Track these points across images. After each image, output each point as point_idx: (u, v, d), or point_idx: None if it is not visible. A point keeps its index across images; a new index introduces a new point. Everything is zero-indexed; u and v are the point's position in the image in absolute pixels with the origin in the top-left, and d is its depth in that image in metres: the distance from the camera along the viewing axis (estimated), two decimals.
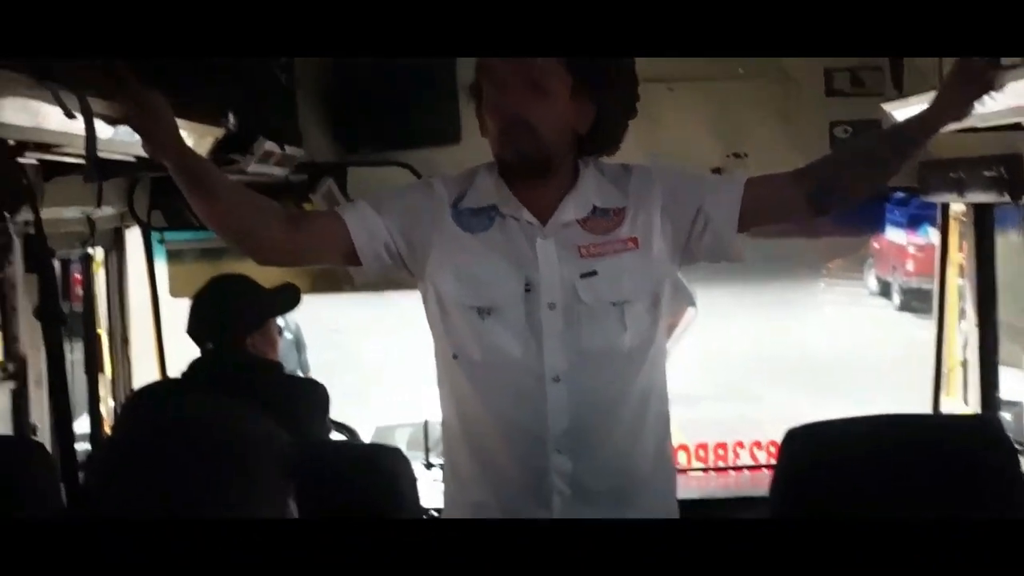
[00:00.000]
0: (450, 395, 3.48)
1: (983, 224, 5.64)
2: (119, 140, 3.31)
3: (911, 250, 21.39)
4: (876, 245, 23.35)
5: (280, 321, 5.00)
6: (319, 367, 11.73)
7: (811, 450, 3.36)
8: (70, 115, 2.63)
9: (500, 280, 3.34)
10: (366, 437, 7.43)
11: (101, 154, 3.51)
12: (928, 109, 3.34)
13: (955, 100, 3.28)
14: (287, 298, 4.93)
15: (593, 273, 3.34)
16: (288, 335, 10.35)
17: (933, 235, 6.30)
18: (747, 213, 3.40)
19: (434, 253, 3.40)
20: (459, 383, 3.41)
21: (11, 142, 2.98)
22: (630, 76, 3.43)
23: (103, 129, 3.06)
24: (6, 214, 3.94)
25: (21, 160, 3.47)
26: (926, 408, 6.09)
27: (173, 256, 6.36)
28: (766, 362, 18.07)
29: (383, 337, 17.10)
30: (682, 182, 3.48)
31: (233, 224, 3.35)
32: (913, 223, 19.98)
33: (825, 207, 3.39)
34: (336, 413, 4.89)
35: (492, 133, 3.35)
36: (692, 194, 3.42)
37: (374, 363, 16.79)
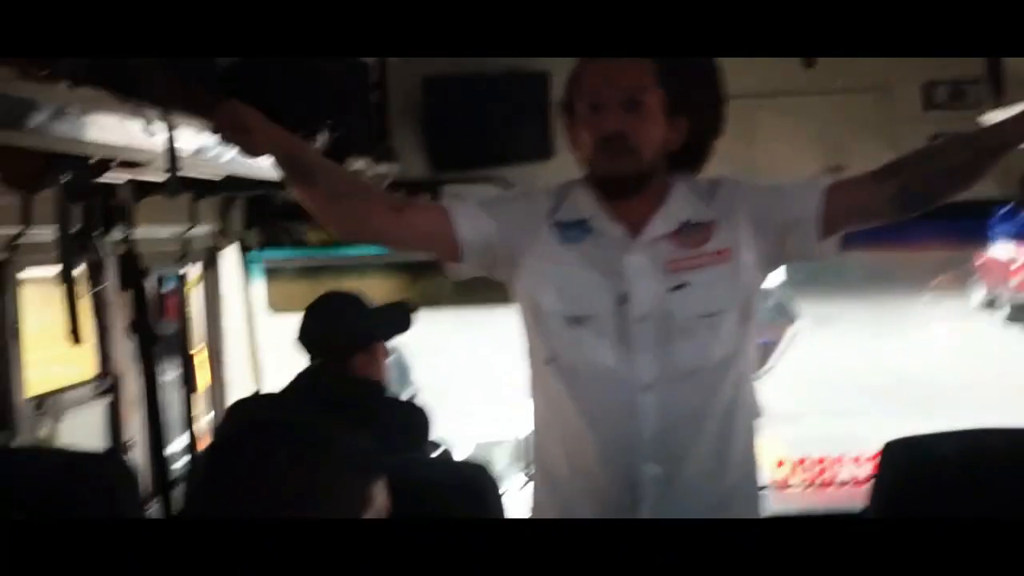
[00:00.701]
0: (542, 398, 3.52)
1: None
2: (209, 157, 3.33)
3: (1017, 266, 21.08)
4: (982, 261, 23.03)
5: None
6: (422, 386, 11.73)
7: (909, 462, 3.31)
8: (153, 133, 2.63)
9: (592, 292, 3.38)
10: (466, 452, 7.44)
11: (192, 173, 3.56)
12: (1014, 117, 3.28)
13: None
14: (398, 320, 4.92)
15: (683, 286, 3.36)
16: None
17: None
18: (830, 216, 3.38)
19: (530, 261, 3.44)
20: (551, 387, 3.45)
21: (92, 159, 2.99)
22: (720, 93, 3.47)
23: (190, 142, 3.08)
24: (97, 232, 3.97)
25: (112, 178, 3.50)
26: None
27: (271, 273, 6.38)
28: (870, 378, 17.86)
29: (483, 354, 17.07)
30: (766, 191, 3.48)
31: (336, 207, 3.40)
32: (1020, 238, 19.72)
33: (907, 209, 3.34)
34: (439, 431, 4.88)
35: (586, 149, 3.38)
36: (776, 203, 3.43)
37: (475, 381, 16.78)
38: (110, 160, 3.05)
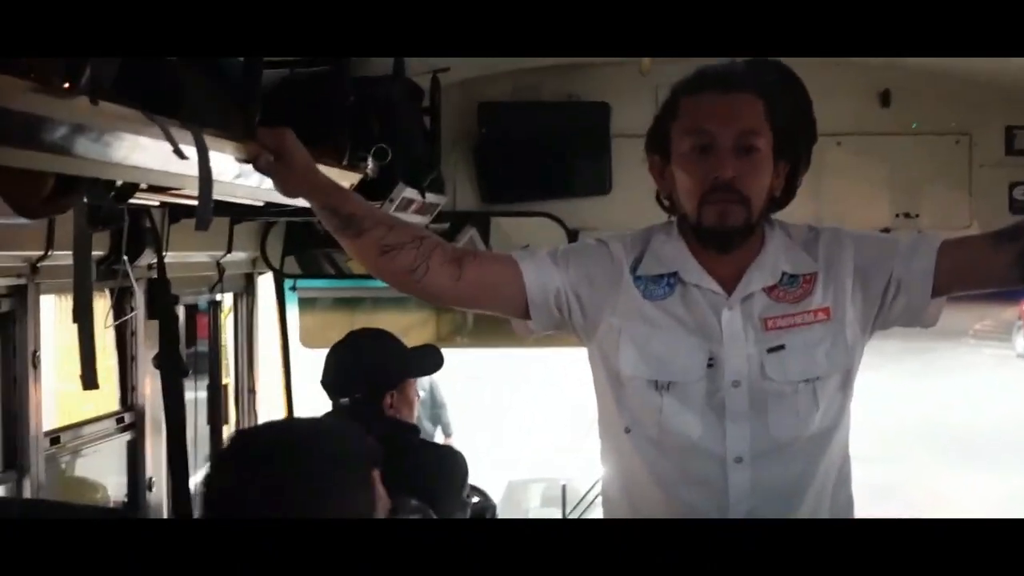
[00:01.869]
0: (618, 469, 3.23)
1: None
2: (247, 184, 3.07)
3: None
4: None
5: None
6: (453, 412, 11.51)
7: None
8: (181, 155, 2.35)
9: (681, 354, 3.07)
10: (499, 490, 7.20)
11: (228, 198, 3.30)
12: None
13: None
14: (429, 361, 4.69)
15: (781, 348, 3.05)
16: (422, 393, 10.05)
17: None
18: (942, 279, 3.07)
19: (609, 319, 3.13)
20: (630, 459, 3.15)
21: (118, 183, 2.71)
22: (816, 131, 3.15)
23: (227, 169, 2.81)
24: (126, 258, 3.75)
25: (141, 201, 3.25)
26: None
27: (305, 304, 6.15)
28: (908, 423, 17.66)
29: (519, 389, 16.93)
30: (874, 246, 3.16)
31: (388, 262, 3.08)
32: None
33: None
34: (470, 462, 4.65)
35: (691, 197, 3.04)
36: (884, 259, 3.10)
37: (509, 413, 16.61)
38: (135, 184, 2.77)
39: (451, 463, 4.49)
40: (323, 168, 3.17)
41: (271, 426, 2.53)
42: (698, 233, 3.05)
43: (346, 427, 2.44)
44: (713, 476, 3.03)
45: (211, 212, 2.59)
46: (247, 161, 2.85)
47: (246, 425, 5.62)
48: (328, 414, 4.45)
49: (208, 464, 2.34)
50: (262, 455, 2.27)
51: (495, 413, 16.21)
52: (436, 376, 10.47)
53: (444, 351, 4.72)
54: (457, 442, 8.74)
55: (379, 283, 3.26)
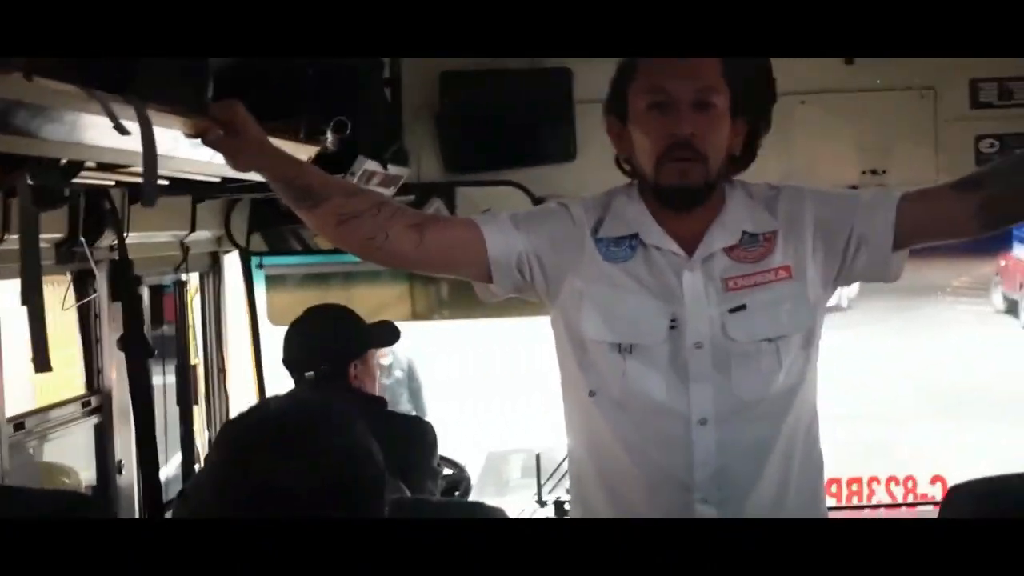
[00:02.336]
0: (584, 434, 3.21)
1: None
2: (199, 160, 3.03)
3: None
4: (1003, 263, 22.83)
5: (388, 359, 4.79)
6: (432, 388, 11.48)
7: (976, 508, 3.03)
8: (122, 130, 2.30)
9: (643, 316, 3.06)
10: (478, 462, 7.18)
11: (181, 174, 3.26)
12: None
13: None
14: (386, 334, 4.73)
15: (742, 308, 3.05)
16: (399, 373, 10.07)
17: None
18: (904, 231, 3.08)
19: (571, 282, 3.13)
20: (595, 422, 3.14)
21: (63, 161, 2.66)
22: (775, 90, 3.15)
23: (178, 145, 2.77)
24: (83, 239, 3.71)
25: (97, 181, 3.20)
26: None
27: (273, 282, 6.11)
28: (888, 381, 17.64)
29: (498, 359, 16.88)
30: (834, 202, 3.16)
31: (348, 232, 3.09)
32: None
33: (990, 225, 3.05)
34: (450, 436, 4.65)
35: (649, 157, 3.05)
36: (845, 214, 3.11)
37: (489, 385, 16.56)
38: (81, 163, 2.73)
39: (419, 432, 4.57)
40: (281, 143, 3.15)
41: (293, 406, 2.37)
42: (657, 193, 3.06)
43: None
44: (678, 437, 3.03)
45: (156, 187, 2.55)
46: (196, 136, 2.82)
47: (218, 406, 5.59)
48: (294, 390, 4.46)
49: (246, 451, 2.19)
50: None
51: (475, 386, 16.18)
52: (414, 353, 10.53)
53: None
54: (435, 418, 8.74)
55: (348, 258, 3.26)
